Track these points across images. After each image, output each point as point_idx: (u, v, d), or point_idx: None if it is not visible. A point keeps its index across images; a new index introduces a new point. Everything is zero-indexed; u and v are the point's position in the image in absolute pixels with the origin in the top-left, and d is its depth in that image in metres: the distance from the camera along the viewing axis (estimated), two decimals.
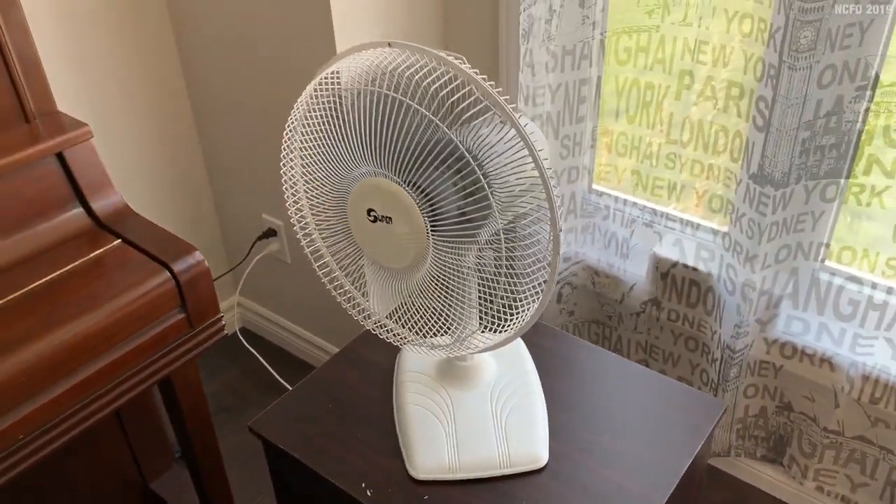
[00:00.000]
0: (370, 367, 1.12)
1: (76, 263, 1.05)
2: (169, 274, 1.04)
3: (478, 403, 1.00)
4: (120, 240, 1.09)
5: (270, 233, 1.76)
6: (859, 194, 1.23)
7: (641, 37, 1.32)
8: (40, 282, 1.02)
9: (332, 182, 0.86)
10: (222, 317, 1.11)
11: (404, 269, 0.86)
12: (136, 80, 1.63)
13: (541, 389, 1.04)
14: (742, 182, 1.28)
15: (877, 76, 1.13)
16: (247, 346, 1.86)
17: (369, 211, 0.82)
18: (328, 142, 0.82)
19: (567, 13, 1.33)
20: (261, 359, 1.83)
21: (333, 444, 1.00)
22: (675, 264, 1.46)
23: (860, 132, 1.19)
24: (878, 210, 1.23)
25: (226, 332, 1.14)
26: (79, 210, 1.10)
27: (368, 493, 0.94)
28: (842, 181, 1.23)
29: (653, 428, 1.01)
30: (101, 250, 1.07)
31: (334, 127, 0.81)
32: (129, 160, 1.67)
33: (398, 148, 0.77)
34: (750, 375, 1.45)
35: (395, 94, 0.76)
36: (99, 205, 1.11)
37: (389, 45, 0.78)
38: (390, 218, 0.81)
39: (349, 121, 0.80)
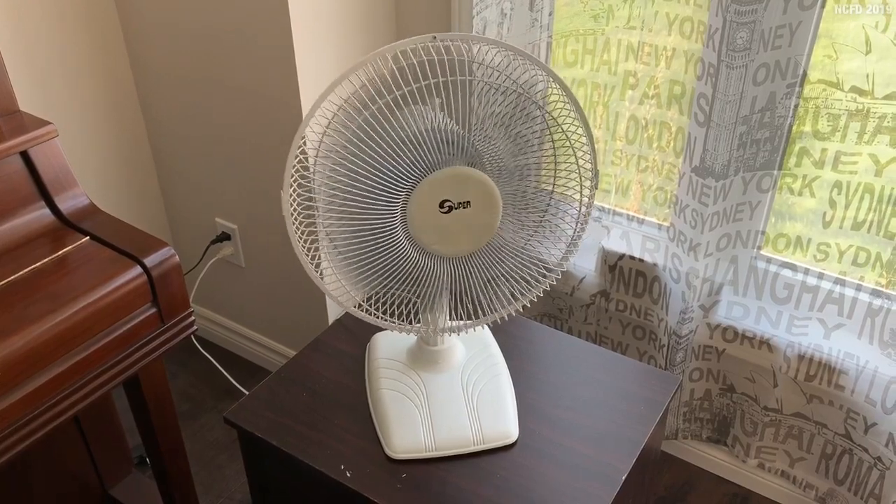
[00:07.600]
0: (340, 356, 1.15)
1: (44, 261, 1.05)
2: (141, 269, 1.05)
3: (449, 385, 1.04)
4: (88, 237, 1.09)
5: (224, 237, 1.77)
6: (791, 184, 1.33)
7: (588, 39, 1.39)
8: (6, 280, 1.02)
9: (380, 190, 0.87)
10: (192, 311, 1.12)
11: (462, 253, 0.92)
12: (85, 81, 1.62)
13: (507, 370, 1.09)
14: (685, 175, 1.36)
15: (804, 73, 1.23)
16: (201, 350, 1.86)
17: (443, 202, 0.86)
18: (398, 146, 0.84)
19: (517, 16, 1.40)
20: (216, 363, 1.83)
21: (310, 431, 1.03)
22: (622, 256, 1.53)
23: (791, 126, 1.28)
24: (808, 200, 1.32)
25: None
26: (44, 209, 1.10)
27: (348, 474, 0.96)
28: (775, 172, 1.33)
29: (614, 403, 1.07)
30: (70, 247, 1.07)
31: (417, 127, 0.84)
32: (75, 162, 1.65)
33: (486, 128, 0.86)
34: (695, 360, 1.53)
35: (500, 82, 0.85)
36: (65, 203, 1.11)
37: (435, 37, 0.82)
38: (468, 202, 0.86)
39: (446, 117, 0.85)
